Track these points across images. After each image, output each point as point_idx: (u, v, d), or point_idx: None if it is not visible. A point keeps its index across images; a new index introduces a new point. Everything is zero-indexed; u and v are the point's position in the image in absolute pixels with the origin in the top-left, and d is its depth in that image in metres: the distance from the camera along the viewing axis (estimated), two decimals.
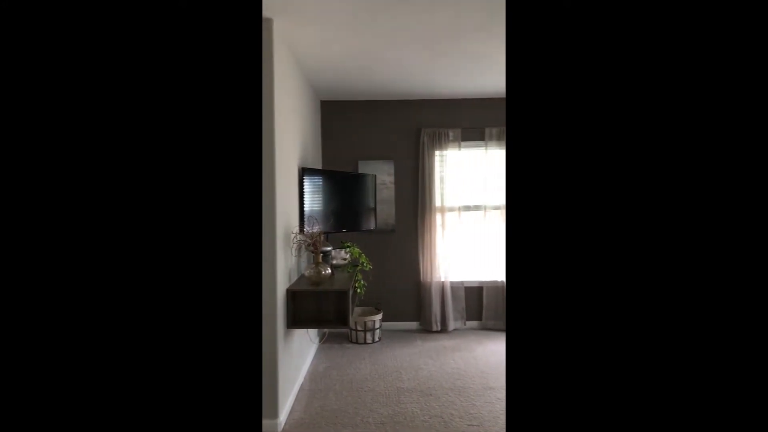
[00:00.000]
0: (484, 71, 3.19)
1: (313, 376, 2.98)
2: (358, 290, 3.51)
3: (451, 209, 3.99)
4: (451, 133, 3.95)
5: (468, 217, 4.13)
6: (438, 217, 3.96)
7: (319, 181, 3.10)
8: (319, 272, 2.48)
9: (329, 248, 2.94)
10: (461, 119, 3.99)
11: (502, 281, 3.98)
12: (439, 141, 3.93)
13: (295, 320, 2.46)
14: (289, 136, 2.61)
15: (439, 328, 3.93)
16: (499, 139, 3.93)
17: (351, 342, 3.67)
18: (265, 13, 2.13)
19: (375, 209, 3.82)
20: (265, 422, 2.23)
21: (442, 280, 3.95)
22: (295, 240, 2.59)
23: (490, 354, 3.37)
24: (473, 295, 4.05)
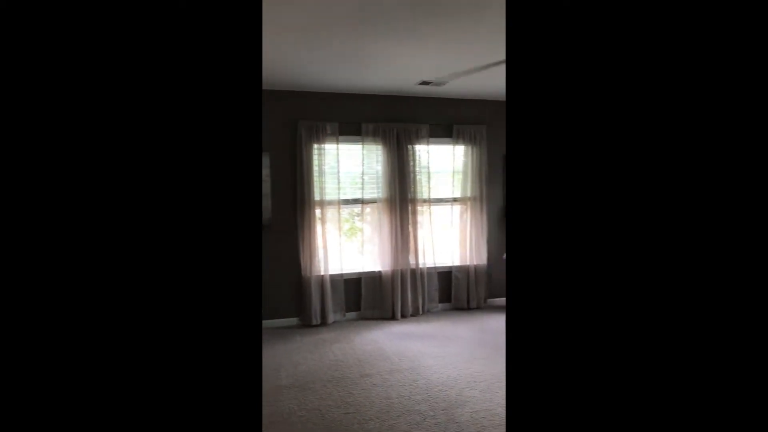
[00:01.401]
0: (359, 68, 3.26)
1: None
2: None
3: (331, 203, 4.01)
4: (329, 127, 3.96)
5: (347, 211, 4.21)
6: (317, 211, 3.95)
7: None
8: None
9: None
10: (340, 113, 4.02)
11: (379, 271, 4.15)
12: (317, 134, 3.91)
13: None
14: None
15: (319, 322, 3.94)
16: (374, 135, 4.06)
17: None
18: None
19: None
20: None
21: (322, 273, 3.96)
22: None
23: (367, 342, 3.49)
24: (352, 287, 4.15)
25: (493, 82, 3.72)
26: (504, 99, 4.45)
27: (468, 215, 4.41)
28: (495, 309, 4.44)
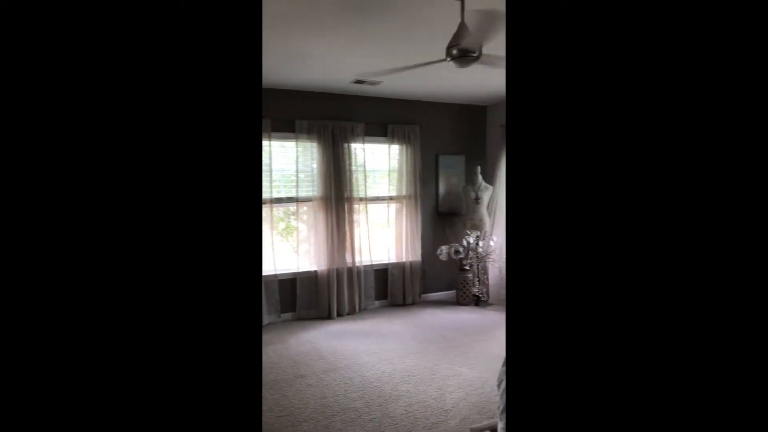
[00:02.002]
0: (292, 64, 3.19)
1: None
2: None
3: (264, 202, 3.90)
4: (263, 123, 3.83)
5: (282, 209, 4.11)
6: None
7: None
8: None
9: None
10: (272, 109, 3.90)
11: (315, 270, 4.10)
12: None
13: None
14: None
15: None
16: (309, 132, 4.00)
17: None
18: None
19: None
20: None
21: None
22: None
23: (303, 343, 3.44)
24: (287, 287, 4.06)
25: (426, 83, 3.82)
26: (436, 100, 4.59)
27: (403, 213, 4.49)
28: (429, 304, 4.57)
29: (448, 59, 2.14)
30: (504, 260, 4.43)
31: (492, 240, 4.48)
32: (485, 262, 4.55)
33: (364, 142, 4.26)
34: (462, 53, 2.06)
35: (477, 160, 4.86)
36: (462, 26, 2.07)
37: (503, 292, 4.42)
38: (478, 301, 4.52)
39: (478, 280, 4.54)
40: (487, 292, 4.61)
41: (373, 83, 3.76)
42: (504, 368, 1.79)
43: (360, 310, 4.29)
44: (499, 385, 1.80)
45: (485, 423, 1.91)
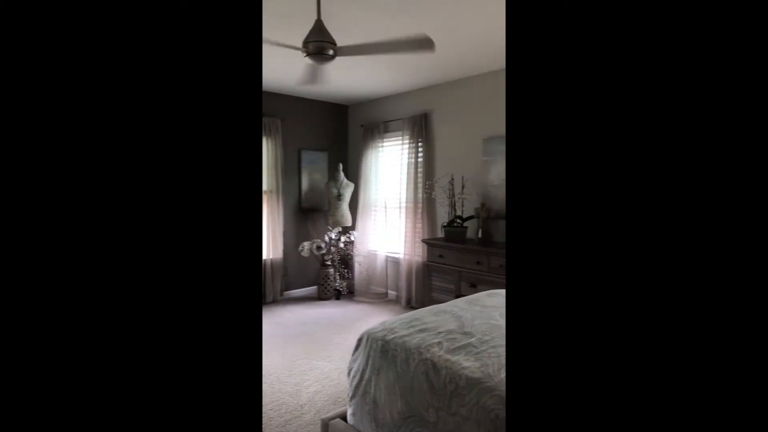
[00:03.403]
0: None
1: None
2: None
3: None
4: None
5: None
6: None
7: None
8: None
9: None
10: None
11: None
12: None
13: None
14: None
15: None
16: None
17: None
18: None
19: None
20: None
21: None
22: None
23: None
24: None
25: (286, 77, 3.75)
26: (299, 95, 4.55)
27: (265, 208, 4.34)
28: (291, 301, 4.52)
29: (305, 55, 2.14)
30: (363, 255, 4.62)
31: (353, 236, 4.64)
32: (348, 257, 4.69)
33: None
34: (318, 50, 2.08)
35: (339, 157, 4.96)
36: (318, 23, 2.09)
37: (369, 285, 4.62)
38: (338, 295, 4.63)
39: (339, 275, 4.65)
40: (349, 286, 4.75)
41: None
42: (354, 356, 1.87)
43: None
44: (349, 373, 1.88)
45: (335, 412, 1.97)
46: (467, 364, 1.46)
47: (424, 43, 1.98)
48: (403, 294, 4.28)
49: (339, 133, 5.04)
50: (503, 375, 1.36)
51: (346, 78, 3.79)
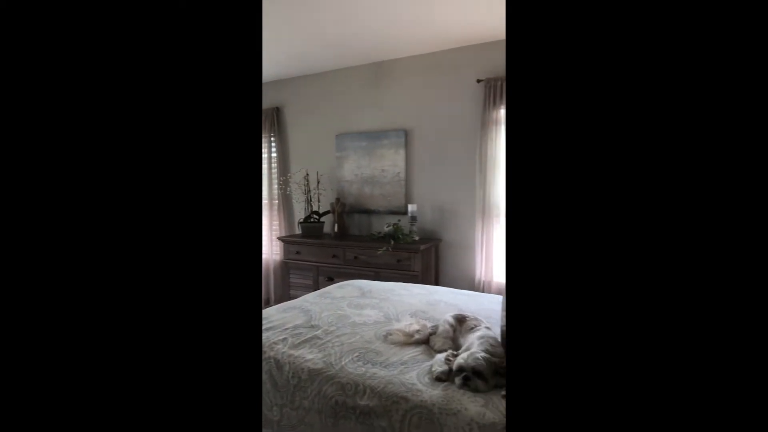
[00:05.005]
0: None
1: None
2: None
3: None
4: None
5: None
6: None
7: None
8: None
9: None
10: None
11: None
12: None
13: None
14: None
15: None
16: None
17: None
18: None
19: None
20: None
21: None
22: None
23: None
24: None
25: None
26: None
27: None
28: None
29: None
30: None
31: None
32: None
33: None
34: None
35: None
36: None
37: None
38: None
39: None
40: None
41: None
42: None
43: None
44: None
45: None
46: (310, 356, 1.47)
47: None
48: (262, 295, 4.13)
49: None
50: (344, 362, 1.41)
51: None
